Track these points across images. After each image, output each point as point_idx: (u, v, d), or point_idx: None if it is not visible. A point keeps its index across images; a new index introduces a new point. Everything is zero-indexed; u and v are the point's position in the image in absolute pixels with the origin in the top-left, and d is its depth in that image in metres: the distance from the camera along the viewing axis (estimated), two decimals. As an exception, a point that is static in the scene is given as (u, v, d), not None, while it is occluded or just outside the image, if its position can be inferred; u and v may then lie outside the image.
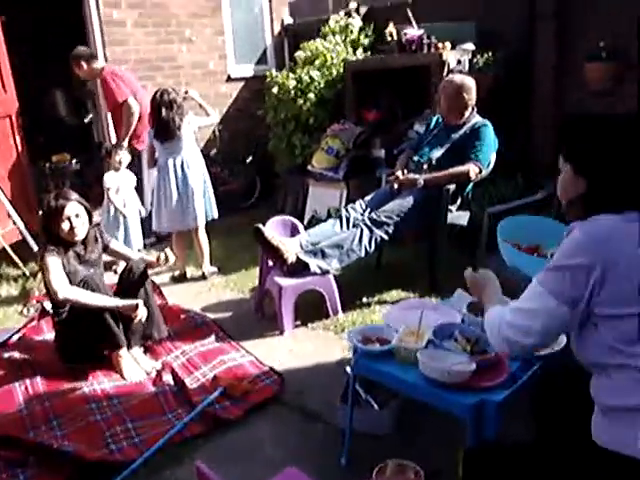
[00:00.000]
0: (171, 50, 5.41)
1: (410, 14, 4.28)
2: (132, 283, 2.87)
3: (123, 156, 4.09)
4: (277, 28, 6.12)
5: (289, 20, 6.14)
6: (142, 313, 2.70)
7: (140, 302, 2.70)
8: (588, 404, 1.34)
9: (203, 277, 4.02)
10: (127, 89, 4.41)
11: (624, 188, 1.32)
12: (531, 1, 4.21)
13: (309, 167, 4.67)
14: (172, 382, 2.67)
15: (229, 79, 5.87)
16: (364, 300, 3.47)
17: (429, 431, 2.26)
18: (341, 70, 4.71)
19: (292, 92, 4.67)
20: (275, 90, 4.73)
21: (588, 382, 1.43)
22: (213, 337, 3.10)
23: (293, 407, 2.50)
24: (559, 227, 1.87)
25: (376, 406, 2.29)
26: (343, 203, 4.55)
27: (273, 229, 3.28)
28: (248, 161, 5.58)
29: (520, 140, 4.29)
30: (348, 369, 2.45)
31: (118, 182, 4.08)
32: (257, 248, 4.26)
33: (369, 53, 4.90)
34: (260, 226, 3.05)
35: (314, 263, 3.11)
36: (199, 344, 3.03)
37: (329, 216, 4.46)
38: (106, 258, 3.14)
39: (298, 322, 3.24)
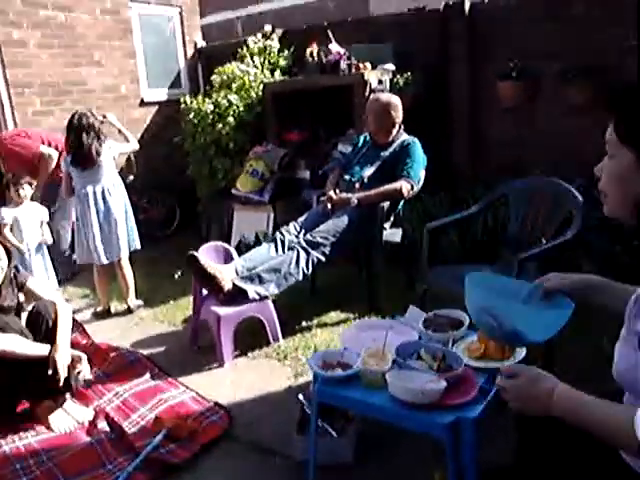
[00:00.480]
0: (79, 73, 5.12)
1: (331, 35, 4.31)
2: (40, 327, 2.50)
3: (27, 190, 3.74)
4: (190, 51, 5.98)
5: (202, 43, 6.03)
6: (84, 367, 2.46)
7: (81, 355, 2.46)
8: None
9: (129, 311, 3.76)
10: (33, 141, 4.15)
11: None
12: (443, 23, 4.38)
13: (233, 191, 4.54)
14: (108, 429, 2.44)
15: (142, 103, 5.65)
16: (303, 324, 3.39)
17: (390, 455, 2.20)
18: (260, 93, 4.65)
19: (210, 117, 4.54)
20: (192, 116, 4.58)
21: None
22: (148, 375, 2.88)
23: (245, 443, 2.35)
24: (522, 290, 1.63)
25: (334, 433, 2.20)
26: (270, 226, 4.47)
27: (206, 256, 3.13)
28: (167, 188, 5.36)
29: (441, 157, 4.42)
30: (301, 397, 2.36)
31: (16, 216, 3.71)
32: (184, 278, 4.12)
33: (287, 76, 4.88)
34: (195, 253, 2.89)
35: (252, 289, 2.99)
36: (133, 384, 2.80)
37: (257, 240, 4.36)
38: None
39: (237, 352, 3.09)
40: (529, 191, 2.82)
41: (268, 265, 3.11)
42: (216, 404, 2.60)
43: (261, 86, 4.71)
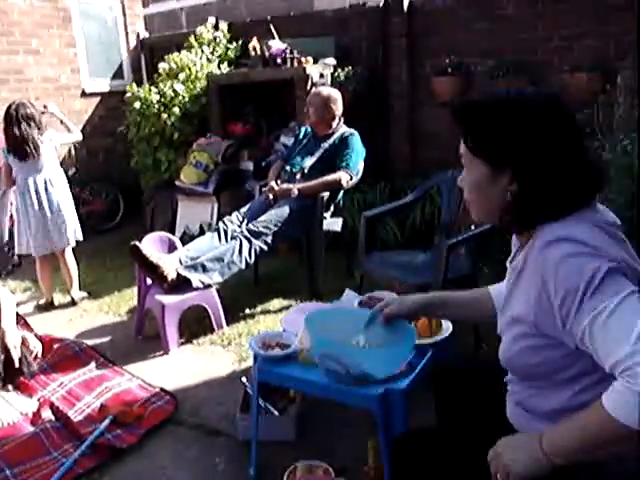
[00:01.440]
0: (16, 62, 5.00)
1: (273, 29, 4.38)
2: None
3: None
4: (133, 42, 5.92)
5: (145, 34, 5.97)
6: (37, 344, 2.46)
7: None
8: (486, 389, 1.44)
9: (73, 303, 3.75)
10: None
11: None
12: (383, 20, 4.52)
13: (177, 182, 4.57)
14: (53, 418, 2.46)
15: (84, 94, 5.57)
16: (247, 312, 3.47)
17: (330, 431, 2.32)
18: (205, 84, 4.67)
19: (156, 107, 4.54)
20: (137, 105, 4.56)
21: (485, 368, 1.55)
22: (93, 364, 2.91)
23: (191, 426, 2.43)
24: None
25: (276, 412, 2.31)
26: (214, 217, 4.52)
27: (150, 246, 3.17)
28: (110, 180, 5.32)
29: (380, 150, 4.57)
30: (244, 379, 2.46)
31: None
32: (129, 269, 4.12)
33: (233, 67, 4.93)
34: (137, 244, 2.93)
35: (196, 278, 3.05)
36: (78, 373, 2.82)
37: (202, 231, 4.41)
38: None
39: (182, 340, 3.16)
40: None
41: (212, 254, 3.18)
42: (162, 390, 2.66)
43: (206, 78, 4.72)
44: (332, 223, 3.69)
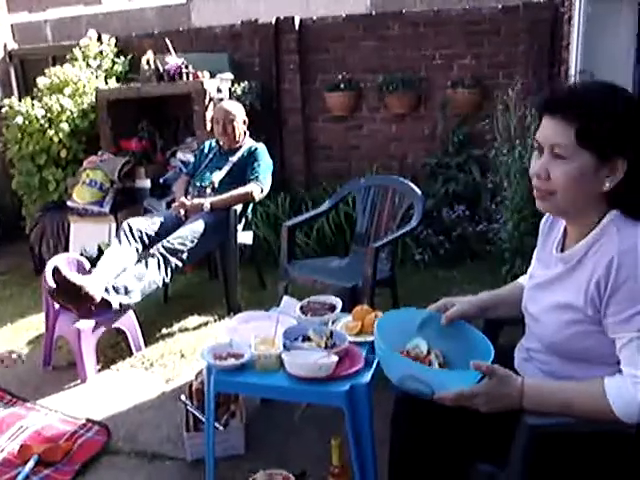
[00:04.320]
0: None
1: (169, 43, 4.29)
2: None
3: None
4: (0, 54, 5.47)
5: (13, 45, 5.54)
6: None
7: None
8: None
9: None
10: None
11: None
12: (276, 37, 4.62)
13: (70, 203, 4.28)
14: (-36, 467, 2.20)
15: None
16: (164, 331, 3.35)
17: (278, 440, 2.32)
18: (93, 99, 4.44)
19: (41, 122, 4.22)
20: (20, 120, 4.21)
21: None
22: (2, 403, 2.63)
23: (129, 453, 2.29)
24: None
25: (221, 427, 2.26)
26: (113, 237, 4.28)
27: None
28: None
29: (276, 163, 4.64)
30: (183, 397, 2.38)
31: None
32: (18, 299, 3.80)
33: (121, 83, 4.73)
34: (58, 265, 2.71)
35: (116, 300, 2.89)
36: (-17, 416, 2.54)
37: (100, 252, 4.17)
38: None
39: (99, 367, 2.96)
40: (373, 188, 3.14)
41: (129, 274, 3.03)
42: (88, 420, 2.48)
43: (94, 92, 4.48)
44: (243, 236, 3.68)
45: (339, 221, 4.11)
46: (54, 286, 2.69)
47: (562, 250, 1.35)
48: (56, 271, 2.66)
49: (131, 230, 3.24)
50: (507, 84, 4.15)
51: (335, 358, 1.84)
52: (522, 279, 1.62)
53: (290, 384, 1.81)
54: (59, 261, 2.89)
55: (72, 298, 2.71)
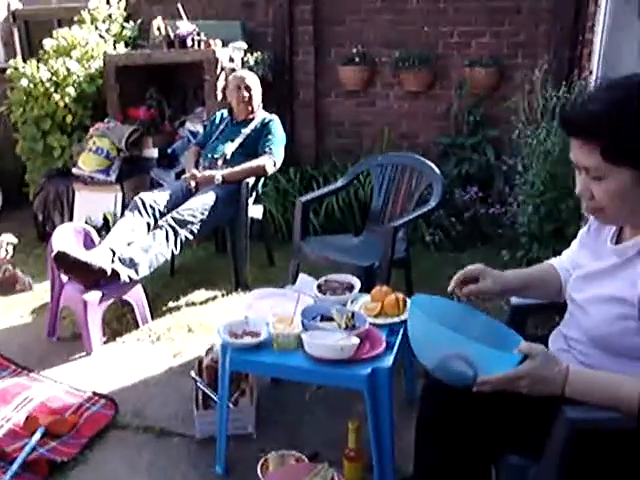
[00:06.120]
0: None
1: (181, 9, 4.15)
2: None
3: None
4: (3, 14, 5.29)
5: (18, 5, 5.37)
6: None
7: None
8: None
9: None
10: None
11: None
12: (290, 7, 4.47)
13: (75, 170, 4.18)
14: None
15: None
16: (171, 305, 3.29)
17: (288, 420, 2.27)
18: (101, 64, 4.30)
19: (46, 85, 4.09)
20: (24, 83, 4.07)
21: None
22: (6, 372, 2.58)
23: (138, 429, 2.24)
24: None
25: (232, 405, 2.21)
26: (119, 207, 4.20)
27: (65, 240, 2.86)
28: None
29: (287, 137, 4.55)
30: (192, 374, 2.32)
31: None
32: (21, 267, 3.72)
33: (130, 48, 4.59)
34: (62, 250, 2.64)
35: (125, 272, 2.81)
36: (-11, 384, 2.48)
37: (106, 222, 4.09)
38: None
39: (104, 339, 2.91)
40: (390, 166, 3.05)
41: (137, 246, 2.95)
42: (95, 394, 2.43)
43: (103, 57, 4.34)
44: (253, 210, 3.60)
45: (348, 199, 4.02)
46: (62, 267, 2.63)
47: (617, 242, 1.31)
48: (64, 257, 2.59)
49: (144, 204, 3.15)
50: (526, 65, 4.07)
51: (356, 340, 1.78)
52: (554, 262, 1.56)
53: (309, 365, 1.76)
54: (66, 231, 2.81)
55: (81, 274, 2.65)
